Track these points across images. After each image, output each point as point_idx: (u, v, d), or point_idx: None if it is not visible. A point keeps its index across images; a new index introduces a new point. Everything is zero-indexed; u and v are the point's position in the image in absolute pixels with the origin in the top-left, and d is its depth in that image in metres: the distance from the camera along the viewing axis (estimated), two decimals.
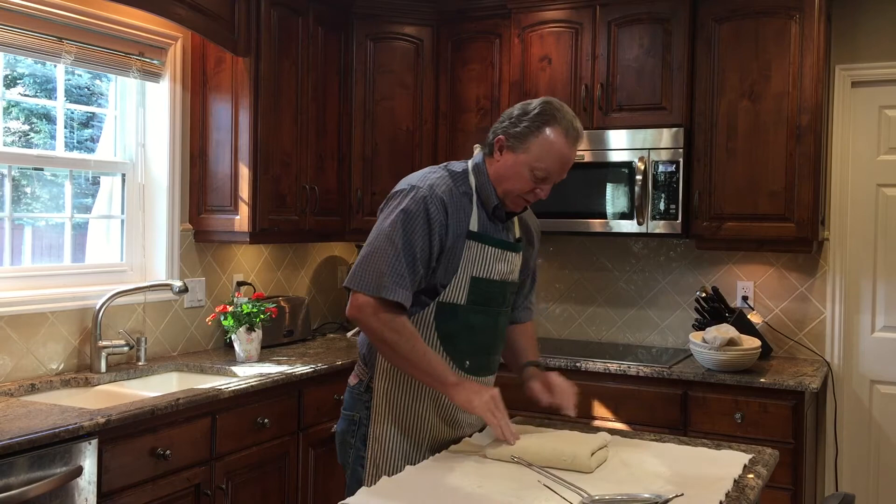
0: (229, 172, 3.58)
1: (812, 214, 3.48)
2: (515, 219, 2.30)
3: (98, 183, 3.48)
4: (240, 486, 3.02)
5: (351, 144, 4.12)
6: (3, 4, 2.89)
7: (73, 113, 3.40)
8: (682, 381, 3.41)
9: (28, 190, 3.26)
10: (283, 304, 3.88)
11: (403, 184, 2.16)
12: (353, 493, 1.82)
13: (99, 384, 3.09)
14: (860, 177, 3.80)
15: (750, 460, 2.11)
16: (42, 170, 3.27)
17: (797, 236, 3.50)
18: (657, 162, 3.63)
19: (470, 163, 2.22)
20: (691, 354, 3.61)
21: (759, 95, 3.55)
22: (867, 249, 3.79)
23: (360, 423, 2.21)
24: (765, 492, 2.43)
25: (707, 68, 3.64)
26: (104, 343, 3.15)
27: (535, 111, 2.11)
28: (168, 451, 2.67)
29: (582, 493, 1.77)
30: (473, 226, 2.14)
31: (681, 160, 3.60)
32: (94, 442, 2.42)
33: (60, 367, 3.11)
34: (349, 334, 4.20)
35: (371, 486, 1.89)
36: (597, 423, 3.49)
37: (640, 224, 3.66)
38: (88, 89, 3.49)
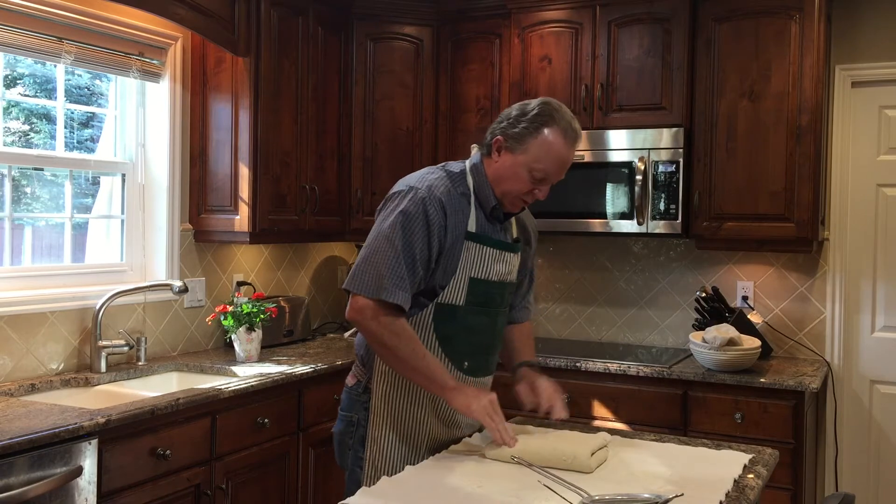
0: (229, 172, 3.58)
1: (812, 214, 3.48)
2: (513, 219, 2.30)
3: (98, 183, 3.48)
4: (240, 486, 3.02)
5: (351, 144, 4.12)
6: (3, 4, 2.89)
7: (73, 113, 3.40)
8: (682, 381, 3.41)
9: (28, 190, 3.26)
10: (283, 304, 3.88)
11: (401, 185, 2.15)
12: (351, 494, 1.82)
13: (99, 384, 3.09)
14: (860, 177, 3.80)
15: (750, 460, 2.11)
16: (42, 170, 3.27)
17: (797, 236, 3.50)
18: (657, 162, 3.63)
19: (468, 163, 2.21)
20: (691, 354, 3.61)
21: (759, 95, 3.55)
22: (867, 249, 3.79)
23: (359, 424, 2.20)
24: (765, 492, 2.43)
25: (707, 68, 3.64)
26: (104, 343, 3.15)
27: (534, 112, 2.10)
28: (168, 451, 2.67)
29: (582, 493, 1.77)
30: (472, 227, 2.14)
31: (681, 160, 3.60)
32: (94, 442, 2.42)
33: (60, 367, 3.11)
34: (346, 335, 4.20)
35: (370, 486, 1.89)
36: (597, 423, 3.49)
37: (640, 224, 3.66)
38: (88, 89, 3.49)
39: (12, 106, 3.19)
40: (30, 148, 3.23)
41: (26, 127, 3.26)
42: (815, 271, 3.83)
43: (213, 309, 3.60)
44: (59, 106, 3.29)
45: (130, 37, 3.38)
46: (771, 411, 3.26)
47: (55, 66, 3.23)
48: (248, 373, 3.21)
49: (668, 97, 3.67)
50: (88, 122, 3.50)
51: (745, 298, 3.90)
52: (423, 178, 2.14)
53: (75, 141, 3.41)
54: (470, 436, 2.23)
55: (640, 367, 3.47)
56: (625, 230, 3.72)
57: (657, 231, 3.66)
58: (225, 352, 3.68)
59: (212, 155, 3.63)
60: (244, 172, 3.54)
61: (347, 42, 4.09)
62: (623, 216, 3.70)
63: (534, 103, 2.13)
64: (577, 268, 4.29)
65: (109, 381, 3.12)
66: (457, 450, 2.12)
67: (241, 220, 3.55)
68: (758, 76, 3.55)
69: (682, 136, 3.60)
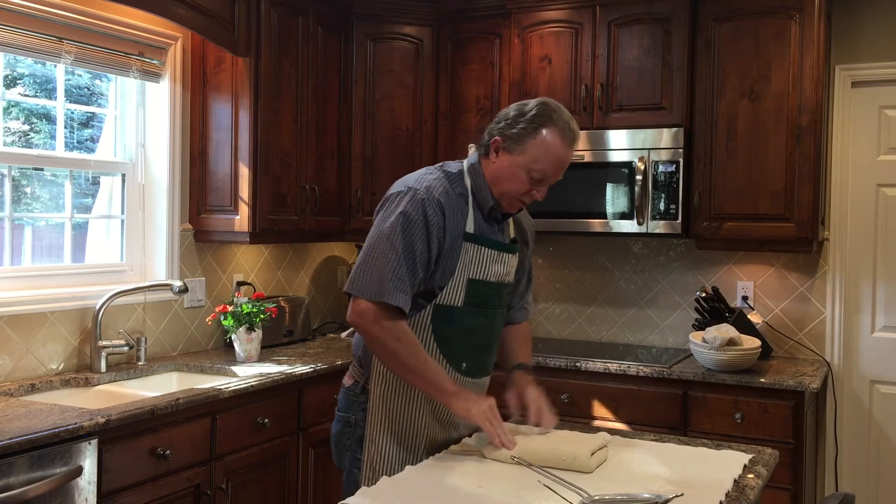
0: (229, 172, 3.58)
1: (812, 214, 3.48)
2: (510, 219, 2.29)
3: (98, 183, 3.48)
4: (240, 486, 3.02)
5: (351, 144, 4.12)
6: (3, 4, 2.89)
7: (73, 113, 3.40)
8: (682, 381, 3.41)
9: (28, 190, 3.26)
10: (283, 304, 3.88)
11: (399, 185, 2.14)
12: (349, 495, 1.82)
13: (99, 384, 3.09)
14: (860, 177, 3.80)
15: (750, 460, 2.11)
16: (42, 170, 3.27)
17: (797, 236, 3.50)
18: (657, 162, 3.63)
19: (465, 163, 2.20)
20: (691, 354, 3.61)
21: (759, 95, 3.55)
22: (867, 249, 3.79)
23: (356, 424, 2.20)
24: (765, 492, 2.43)
25: (707, 68, 3.64)
26: (104, 343, 3.15)
27: (532, 112, 2.09)
28: (168, 451, 2.67)
29: (582, 493, 1.77)
30: (470, 227, 2.13)
31: (681, 160, 3.60)
32: (94, 442, 2.42)
33: (60, 367, 3.11)
34: (343, 335, 4.18)
35: (369, 486, 1.89)
36: (597, 423, 3.49)
37: (640, 224, 3.66)
38: (88, 89, 3.49)
39: (12, 106, 3.19)
40: (30, 148, 3.23)
41: (26, 127, 3.26)
42: (815, 271, 3.83)
43: (213, 309, 3.60)
44: (59, 106, 3.29)
45: (130, 37, 3.38)
46: (771, 411, 3.26)
47: (55, 66, 3.23)
48: (248, 373, 3.21)
49: (668, 97, 3.67)
50: (88, 122, 3.50)
51: (745, 298, 3.90)
52: (421, 179, 2.13)
53: (75, 141, 3.41)
54: (470, 436, 2.23)
55: (640, 367, 3.47)
56: (625, 230, 3.72)
57: (657, 231, 3.66)
58: (225, 352, 3.68)
59: (212, 155, 3.63)
60: (244, 172, 3.54)
61: (347, 42, 4.09)
62: (623, 216, 3.70)
63: (532, 104, 2.12)
64: (577, 268, 4.29)
65: (109, 381, 3.12)
66: (457, 450, 2.12)
67: (241, 220, 3.55)
68: (758, 76, 3.55)
69: (682, 136, 3.60)
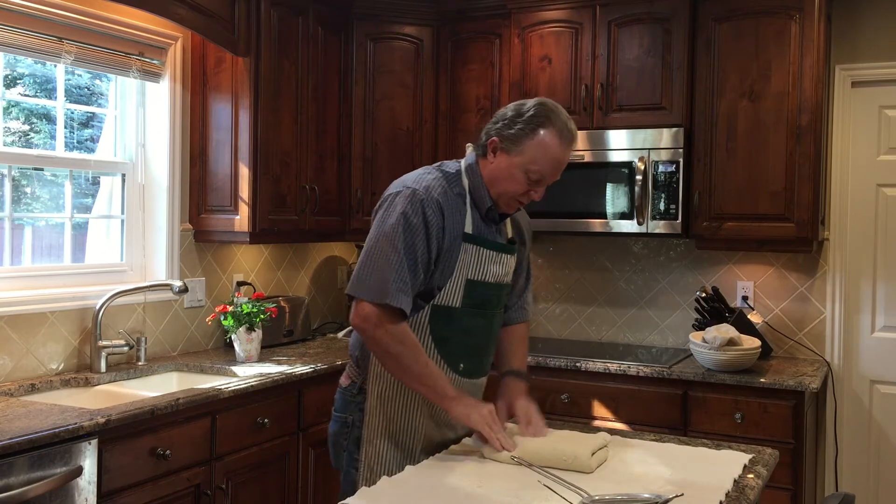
0: (229, 172, 3.58)
1: (812, 214, 3.48)
2: (507, 219, 2.28)
3: (98, 183, 3.48)
4: (240, 486, 3.02)
5: (351, 144, 4.12)
6: (3, 4, 2.89)
7: (73, 113, 3.40)
8: (682, 381, 3.41)
9: (28, 190, 3.26)
10: (283, 304, 3.88)
11: (398, 185, 2.14)
12: (347, 496, 1.82)
13: (99, 384, 3.09)
14: (860, 177, 3.80)
15: (750, 460, 2.11)
16: (42, 170, 3.27)
17: (797, 236, 3.50)
18: (657, 162, 3.63)
19: (463, 163, 2.20)
20: (691, 354, 3.61)
21: (759, 95, 3.55)
22: (867, 249, 3.79)
23: (353, 425, 2.19)
24: (765, 492, 2.43)
25: (707, 68, 3.64)
26: (104, 343, 3.15)
27: (530, 113, 2.09)
28: (168, 451, 2.67)
29: (582, 493, 1.77)
30: (468, 228, 2.12)
31: (681, 160, 3.60)
32: (94, 442, 2.42)
33: (60, 367, 3.11)
34: (341, 335, 4.19)
35: (369, 486, 1.89)
36: (597, 423, 3.49)
37: (640, 224, 3.66)
38: (88, 89, 3.49)
39: (12, 106, 3.19)
40: (30, 148, 3.23)
41: (26, 127, 3.26)
42: (815, 271, 3.83)
43: (213, 309, 3.60)
44: (59, 106, 3.29)
45: (130, 37, 3.38)
46: (771, 411, 3.26)
47: (55, 66, 3.23)
48: (248, 373, 3.21)
49: (668, 97, 3.67)
50: (88, 122, 3.50)
51: (745, 298, 3.90)
52: (419, 179, 2.12)
53: (75, 141, 3.41)
54: (469, 436, 2.23)
55: (640, 367, 3.47)
56: (625, 230, 3.72)
57: (657, 231, 3.66)
58: (225, 352, 3.68)
59: (212, 155, 3.63)
60: (244, 172, 3.54)
61: (347, 42, 4.09)
62: (623, 216, 3.70)
63: (529, 104, 2.12)
64: (577, 268, 4.29)
65: (109, 381, 3.12)
66: (457, 450, 2.13)
67: (241, 220, 3.55)
68: (758, 76, 3.55)
69: (682, 136, 3.60)
